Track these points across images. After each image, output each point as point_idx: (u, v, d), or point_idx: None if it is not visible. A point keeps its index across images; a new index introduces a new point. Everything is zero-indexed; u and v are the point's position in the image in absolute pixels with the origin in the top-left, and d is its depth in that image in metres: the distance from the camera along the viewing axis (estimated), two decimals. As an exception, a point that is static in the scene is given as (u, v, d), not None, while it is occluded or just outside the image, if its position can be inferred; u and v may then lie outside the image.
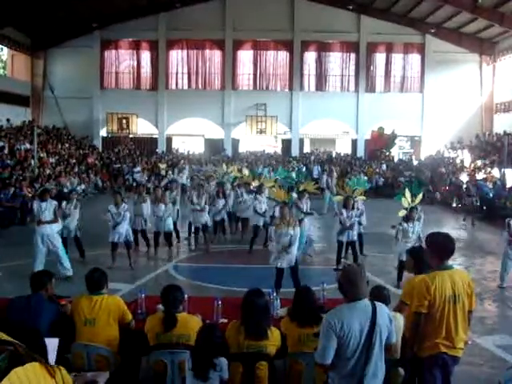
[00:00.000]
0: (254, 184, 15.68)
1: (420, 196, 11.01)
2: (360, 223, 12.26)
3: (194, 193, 13.71)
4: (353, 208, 11.56)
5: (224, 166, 20.66)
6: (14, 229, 16.36)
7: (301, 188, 13.18)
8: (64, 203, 11.73)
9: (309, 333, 4.91)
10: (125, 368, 5.14)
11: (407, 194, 10.88)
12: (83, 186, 24.39)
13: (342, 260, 11.45)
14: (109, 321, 5.13)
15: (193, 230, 14.08)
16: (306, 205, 12.78)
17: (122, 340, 5.21)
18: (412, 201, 10.72)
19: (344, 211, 11.44)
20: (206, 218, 13.46)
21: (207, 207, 13.56)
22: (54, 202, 10.87)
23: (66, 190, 16.11)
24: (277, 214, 13.80)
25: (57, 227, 10.78)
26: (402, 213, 10.70)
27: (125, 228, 11.49)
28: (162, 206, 12.53)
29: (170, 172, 23.81)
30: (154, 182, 23.60)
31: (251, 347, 4.80)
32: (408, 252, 5.70)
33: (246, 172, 18.24)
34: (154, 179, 27.19)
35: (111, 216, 11.32)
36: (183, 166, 26.77)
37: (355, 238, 11.58)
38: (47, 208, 10.53)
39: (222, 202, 14.54)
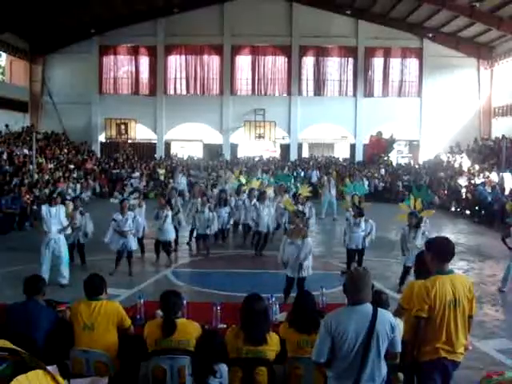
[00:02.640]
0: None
1: (419, 202, 10.94)
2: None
3: (198, 200, 13.66)
4: (361, 215, 11.55)
5: (222, 172, 20.67)
6: (13, 234, 16.34)
7: (299, 193, 13.20)
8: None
9: (307, 339, 4.90)
10: (124, 373, 5.13)
11: (411, 199, 10.89)
12: (89, 193, 24.61)
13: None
14: (108, 326, 5.11)
15: (194, 234, 14.06)
16: (308, 210, 12.89)
17: (120, 345, 5.20)
18: (414, 207, 10.69)
19: (351, 218, 11.46)
20: (211, 227, 13.39)
21: (215, 215, 13.53)
22: (64, 207, 10.83)
23: (68, 197, 15.98)
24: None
25: (68, 230, 10.77)
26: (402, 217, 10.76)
27: (131, 237, 11.39)
28: (169, 214, 12.37)
29: (171, 180, 23.82)
30: (157, 189, 23.66)
31: (250, 352, 4.80)
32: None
33: (243, 179, 18.13)
34: (153, 185, 27.28)
35: (117, 224, 11.21)
36: (177, 173, 26.76)
37: (360, 246, 11.52)
38: (57, 213, 10.42)
39: (225, 210, 14.53)
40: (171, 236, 12.58)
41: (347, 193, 14.50)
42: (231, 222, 15.40)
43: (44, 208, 10.50)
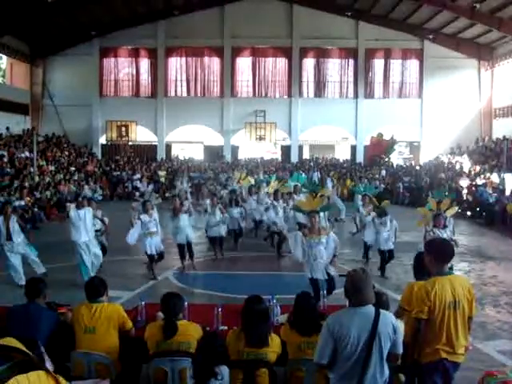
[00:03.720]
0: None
1: (447, 202, 10.98)
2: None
3: (208, 202, 13.60)
4: (385, 214, 11.68)
5: (236, 173, 20.74)
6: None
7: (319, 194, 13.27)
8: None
9: (309, 341, 4.89)
10: (125, 376, 5.13)
11: (431, 201, 10.92)
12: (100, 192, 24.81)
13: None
14: (109, 329, 5.11)
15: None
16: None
17: (122, 348, 5.20)
18: (438, 208, 10.72)
19: (376, 219, 11.66)
20: (222, 229, 13.30)
21: (226, 216, 13.45)
22: (91, 210, 10.84)
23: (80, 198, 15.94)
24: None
25: (93, 232, 10.80)
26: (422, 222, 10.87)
27: (159, 238, 11.29)
28: (185, 216, 12.01)
29: (179, 183, 23.83)
30: (170, 191, 23.61)
31: (251, 354, 4.79)
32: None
33: (252, 180, 18.22)
34: (153, 187, 27.26)
35: (145, 226, 11.05)
36: (180, 174, 26.79)
37: (390, 246, 11.55)
38: (85, 216, 10.46)
39: (236, 210, 14.42)
40: (191, 237, 12.19)
41: (358, 193, 14.71)
42: (244, 223, 15.23)
43: (73, 212, 10.48)
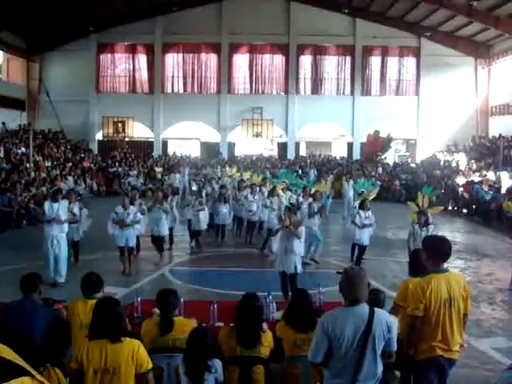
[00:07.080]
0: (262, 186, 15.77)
1: (427, 199, 11.03)
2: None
3: (194, 197, 13.70)
4: (368, 209, 11.84)
5: (228, 168, 20.72)
6: (10, 233, 16.31)
7: (313, 190, 13.24)
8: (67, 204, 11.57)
9: (304, 337, 4.89)
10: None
11: (419, 197, 10.95)
12: (82, 186, 24.62)
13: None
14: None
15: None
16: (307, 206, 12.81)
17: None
18: (422, 205, 10.76)
19: (362, 212, 11.75)
20: (204, 223, 13.45)
21: (206, 210, 13.59)
22: (66, 203, 10.77)
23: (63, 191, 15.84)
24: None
25: (66, 228, 10.65)
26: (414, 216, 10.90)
27: (132, 232, 11.24)
28: (160, 210, 12.32)
29: (166, 177, 23.74)
30: (154, 185, 23.48)
31: (245, 350, 4.81)
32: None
33: (247, 175, 18.22)
34: (150, 183, 27.22)
35: (116, 216, 11.10)
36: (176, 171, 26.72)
37: (366, 242, 11.77)
38: (60, 208, 10.36)
39: (225, 206, 14.52)
40: (164, 231, 12.54)
41: (356, 190, 14.85)
42: (230, 219, 15.37)
43: (46, 204, 10.45)
